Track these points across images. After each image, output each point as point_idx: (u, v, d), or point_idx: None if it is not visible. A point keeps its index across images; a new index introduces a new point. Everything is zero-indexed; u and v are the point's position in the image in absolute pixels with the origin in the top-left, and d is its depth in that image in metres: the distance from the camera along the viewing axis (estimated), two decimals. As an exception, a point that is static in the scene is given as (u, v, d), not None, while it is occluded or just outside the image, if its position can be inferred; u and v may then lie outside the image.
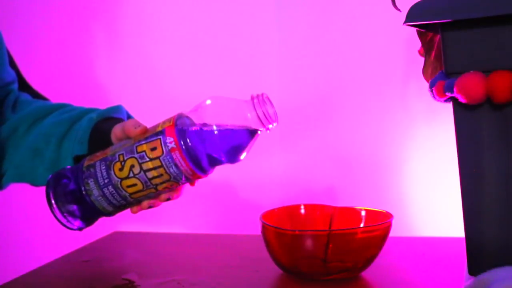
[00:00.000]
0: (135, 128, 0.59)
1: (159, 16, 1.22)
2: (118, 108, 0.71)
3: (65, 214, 0.60)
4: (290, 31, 1.18)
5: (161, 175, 0.57)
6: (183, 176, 0.58)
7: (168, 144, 0.56)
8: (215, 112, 0.58)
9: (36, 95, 0.79)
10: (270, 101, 0.59)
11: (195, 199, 1.20)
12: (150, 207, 0.62)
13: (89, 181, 0.59)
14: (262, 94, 0.58)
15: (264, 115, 0.57)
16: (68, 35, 1.23)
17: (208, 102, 0.59)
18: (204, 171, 0.59)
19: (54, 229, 1.26)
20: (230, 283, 0.61)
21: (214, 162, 0.59)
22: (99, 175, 0.59)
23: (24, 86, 0.79)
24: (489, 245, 0.51)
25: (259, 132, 0.58)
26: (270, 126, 0.58)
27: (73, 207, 0.60)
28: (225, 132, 0.57)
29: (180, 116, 0.59)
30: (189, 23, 1.21)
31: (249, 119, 0.57)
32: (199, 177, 0.59)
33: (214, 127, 0.57)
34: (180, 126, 0.57)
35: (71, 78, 1.21)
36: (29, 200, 1.24)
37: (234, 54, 1.20)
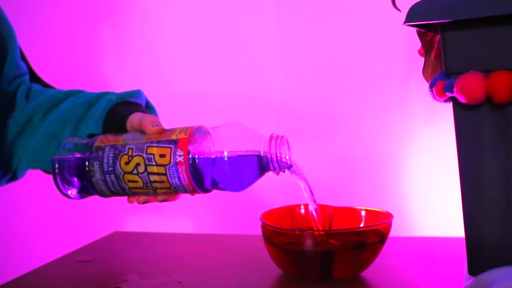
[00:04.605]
0: (152, 126, 0.59)
1: (164, 17, 1.22)
2: (137, 93, 0.70)
3: (64, 181, 0.61)
4: (290, 31, 1.18)
5: (163, 182, 0.58)
6: (183, 189, 0.58)
7: (177, 157, 0.56)
8: (233, 139, 0.57)
9: (46, 86, 0.80)
10: (288, 145, 0.58)
11: (195, 199, 1.20)
12: (145, 202, 0.62)
13: (94, 163, 0.60)
14: (282, 137, 0.58)
15: (276, 159, 0.56)
16: (75, 34, 1.23)
17: (230, 126, 0.58)
18: (204, 191, 0.59)
19: (54, 229, 1.26)
20: (230, 283, 0.61)
21: (217, 187, 0.59)
22: (105, 160, 0.59)
23: (34, 78, 0.80)
24: (489, 245, 0.51)
25: (267, 172, 0.58)
26: (281, 166, 0.57)
27: (73, 179, 0.61)
28: (235, 165, 0.56)
29: (197, 130, 0.58)
30: (192, 23, 1.21)
31: (262, 157, 0.57)
32: (198, 193, 0.60)
33: (226, 157, 0.56)
34: (193, 143, 0.57)
35: (78, 76, 1.21)
36: (29, 200, 1.24)
37: (237, 55, 1.20)
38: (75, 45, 1.24)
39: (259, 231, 0.62)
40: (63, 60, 1.23)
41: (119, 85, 1.20)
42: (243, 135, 0.58)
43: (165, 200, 0.62)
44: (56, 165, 0.61)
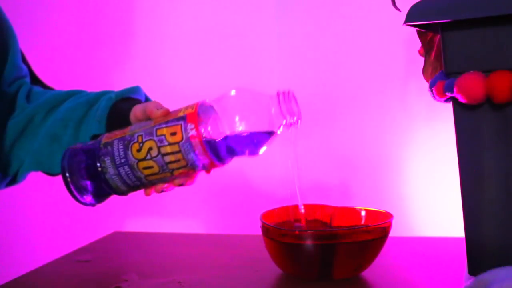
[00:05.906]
0: (157, 109, 0.59)
1: (164, 15, 1.22)
2: (136, 89, 0.71)
3: (78, 188, 0.60)
4: (290, 31, 1.18)
5: (179, 160, 0.57)
6: (201, 164, 0.58)
7: (188, 131, 0.56)
8: (239, 104, 0.57)
9: (47, 88, 0.80)
10: (296, 99, 0.58)
11: (195, 199, 1.20)
12: (163, 191, 0.61)
13: (105, 159, 0.59)
14: (288, 92, 0.58)
15: (288, 111, 0.57)
16: (76, 35, 1.23)
17: (233, 93, 0.58)
18: (222, 161, 0.59)
19: (54, 229, 1.26)
20: (230, 283, 0.61)
21: (233, 153, 0.58)
22: (116, 153, 0.58)
23: (35, 80, 0.80)
24: (489, 245, 0.51)
25: (279, 131, 0.58)
26: (293, 120, 0.57)
27: (86, 183, 0.60)
28: (248, 129, 0.56)
29: (203, 104, 0.58)
30: (193, 22, 1.21)
31: (272, 115, 0.57)
32: (216, 166, 0.59)
33: (237, 121, 0.56)
34: (202, 114, 0.57)
35: (79, 78, 1.21)
36: (29, 200, 1.25)
37: (236, 53, 1.20)
38: (75, 46, 1.23)
39: (259, 231, 0.62)
40: (63, 62, 1.23)
41: (120, 85, 1.20)
42: (248, 96, 0.58)
43: (182, 184, 0.61)
44: (67, 174, 0.60)
